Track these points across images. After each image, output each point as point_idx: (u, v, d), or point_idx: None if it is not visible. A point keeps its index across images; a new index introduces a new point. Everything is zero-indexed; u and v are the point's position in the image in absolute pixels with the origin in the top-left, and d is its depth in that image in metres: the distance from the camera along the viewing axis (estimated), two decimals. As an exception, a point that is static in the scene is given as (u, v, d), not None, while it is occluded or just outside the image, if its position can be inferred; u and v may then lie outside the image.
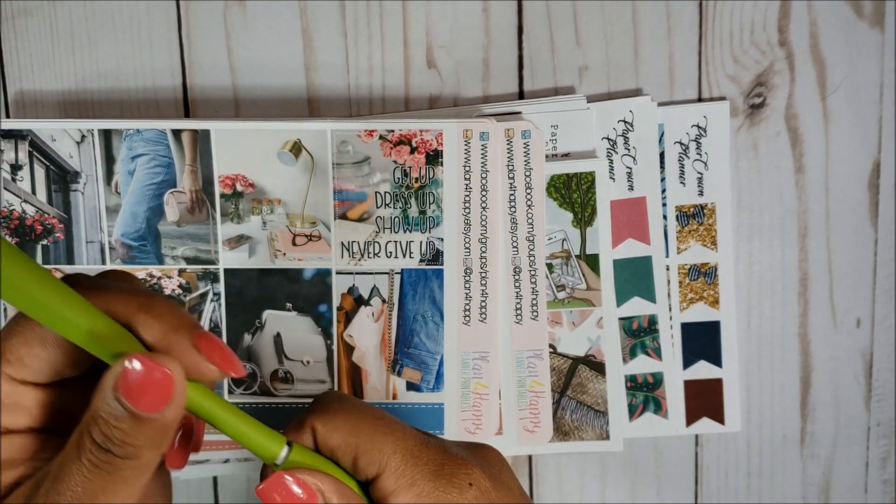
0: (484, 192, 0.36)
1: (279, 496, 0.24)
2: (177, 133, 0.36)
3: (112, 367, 0.21)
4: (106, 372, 0.21)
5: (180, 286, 0.37)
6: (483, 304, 0.37)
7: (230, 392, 0.38)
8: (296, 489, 0.24)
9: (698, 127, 0.39)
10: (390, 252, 0.37)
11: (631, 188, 0.39)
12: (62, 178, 0.37)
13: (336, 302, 0.37)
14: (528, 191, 0.36)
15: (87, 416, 0.21)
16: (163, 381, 0.21)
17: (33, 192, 0.37)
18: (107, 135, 0.36)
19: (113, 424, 0.21)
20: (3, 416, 0.23)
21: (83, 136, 0.36)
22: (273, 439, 0.23)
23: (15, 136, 0.37)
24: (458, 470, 0.25)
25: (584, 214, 0.38)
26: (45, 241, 0.37)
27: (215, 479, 0.41)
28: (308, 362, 0.37)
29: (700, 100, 0.39)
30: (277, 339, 0.37)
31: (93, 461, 0.21)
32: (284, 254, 0.36)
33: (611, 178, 0.38)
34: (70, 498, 0.21)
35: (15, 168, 0.37)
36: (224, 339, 0.37)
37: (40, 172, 0.37)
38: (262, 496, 0.24)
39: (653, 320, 0.39)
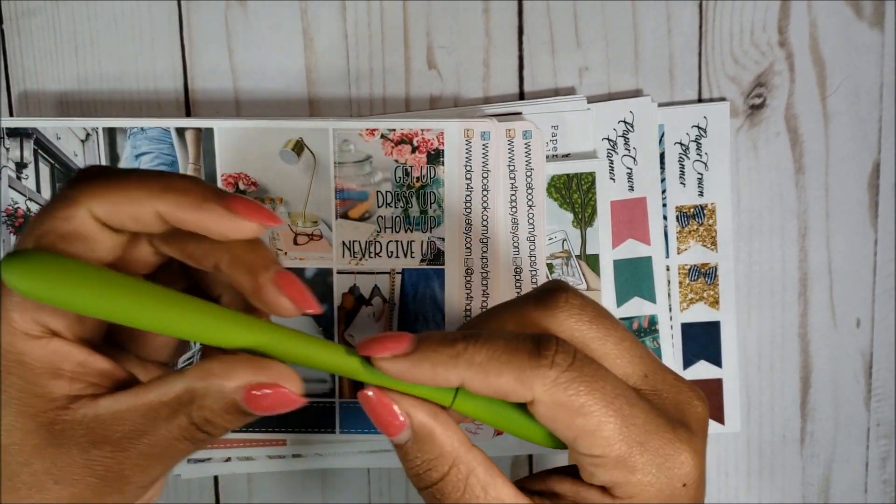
0: (485, 192, 0.36)
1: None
2: (180, 131, 0.36)
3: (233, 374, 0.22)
4: (223, 367, 0.22)
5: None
6: (484, 304, 0.37)
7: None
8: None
9: (698, 127, 0.39)
10: (391, 252, 0.37)
11: (631, 188, 0.39)
12: (67, 177, 0.37)
13: (337, 301, 0.37)
14: (529, 191, 0.36)
15: (189, 396, 0.22)
16: (287, 398, 0.23)
17: (38, 190, 0.37)
18: (111, 133, 0.37)
19: (220, 420, 0.23)
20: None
21: (88, 135, 0.37)
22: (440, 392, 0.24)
23: (20, 134, 0.37)
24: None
25: (584, 215, 0.38)
26: None
27: (216, 479, 0.41)
28: (309, 362, 0.37)
29: (700, 100, 0.39)
30: (279, 338, 0.37)
31: (184, 435, 0.22)
32: (286, 253, 0.37)
33: (611, 178, 0.38)
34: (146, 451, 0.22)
35: (20, 166, 0.37)
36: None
37: (45, 171, 0.37)
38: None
39: (653, 320, 0.39)
